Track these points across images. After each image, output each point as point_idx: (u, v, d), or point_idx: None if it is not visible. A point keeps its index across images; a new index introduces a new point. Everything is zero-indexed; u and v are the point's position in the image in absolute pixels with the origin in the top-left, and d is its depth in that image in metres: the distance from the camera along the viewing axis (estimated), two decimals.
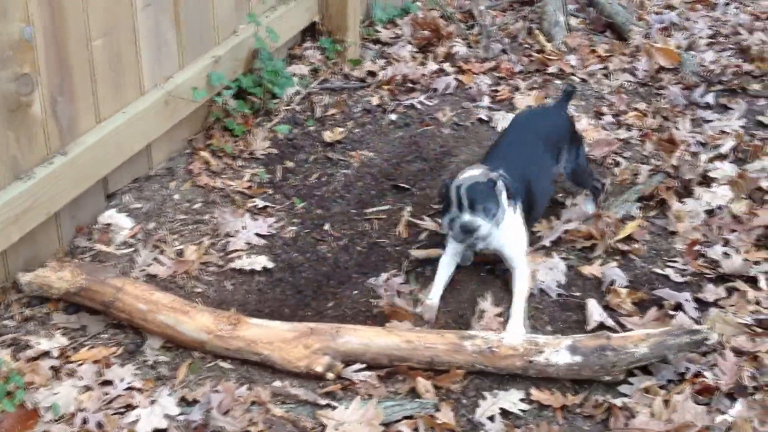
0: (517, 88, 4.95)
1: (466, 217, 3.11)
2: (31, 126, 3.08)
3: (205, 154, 3.99)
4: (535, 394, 2.82)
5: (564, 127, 3.75)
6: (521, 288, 3.22)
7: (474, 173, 3.24)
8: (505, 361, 2.84)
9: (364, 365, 2.89)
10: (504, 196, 3.19)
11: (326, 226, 3.74)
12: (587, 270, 3.42)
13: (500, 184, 3.18)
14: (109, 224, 3.48)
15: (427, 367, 2.89)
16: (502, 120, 4.54)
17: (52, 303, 3.12)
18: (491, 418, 2.73)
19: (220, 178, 3.92)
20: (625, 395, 2.79)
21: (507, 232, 3.25)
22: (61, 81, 3.19)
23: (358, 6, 4.96)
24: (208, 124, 4.11)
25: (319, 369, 2.83)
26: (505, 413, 2.75)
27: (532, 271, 3.30)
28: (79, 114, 3.31)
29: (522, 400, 2.80)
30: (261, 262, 3.45)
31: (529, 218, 3.43)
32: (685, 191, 3.88)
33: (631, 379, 2.84)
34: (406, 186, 3.99)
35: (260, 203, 3.82)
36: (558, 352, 2.83)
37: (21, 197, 3.02)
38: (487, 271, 3.43)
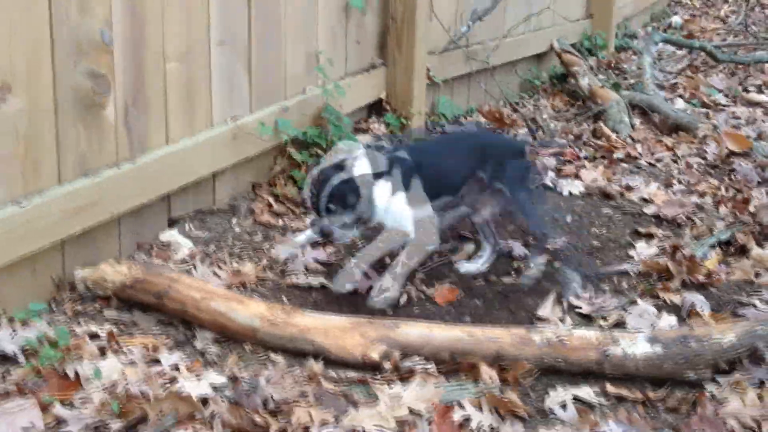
0: (583, 167, 4.90)
1: (324, 222, 3.16)
2: (103, 127, 3.13)
3: (268, 197, 3.99)
4: (612, 390, 2.58)
5: (512, 151, 3.60)
6: (406, 252, 3.25)
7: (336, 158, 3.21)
8: (578, 353, 2.62)
9: (423, 358, 2.70)
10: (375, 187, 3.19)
11: (387, 260, 3.63)
12: (665, 295, 3.21)
13: (359, 167, 3.16)
14: (169, 243, 3.45)
15: (492, 362, 2.68)
16: (568, 185, 4.49)
17: (104, 300, 3.04)
18: (563, 406, 2.48)
19: (282, 219, 3.90)
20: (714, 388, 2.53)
21: (386, 211, 3.27)
22: (135, 92, 3.26)
23: (423, 86, 5.05)
24: (273, 173, 4.13)
25: (375, 356, 2.65)
26: (578, 402, 2.50)
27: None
28: (150, 129, 3.36)
29: (597, 393, 2.56)
30: (319, 279, 3.35)
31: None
32: (762, 236, 3.70)
33: (718, 378, 2.58)
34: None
35: (321, 239, 3.75)
36: (635, 343, 2.60)
37: (85, 191, 3.02)
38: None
